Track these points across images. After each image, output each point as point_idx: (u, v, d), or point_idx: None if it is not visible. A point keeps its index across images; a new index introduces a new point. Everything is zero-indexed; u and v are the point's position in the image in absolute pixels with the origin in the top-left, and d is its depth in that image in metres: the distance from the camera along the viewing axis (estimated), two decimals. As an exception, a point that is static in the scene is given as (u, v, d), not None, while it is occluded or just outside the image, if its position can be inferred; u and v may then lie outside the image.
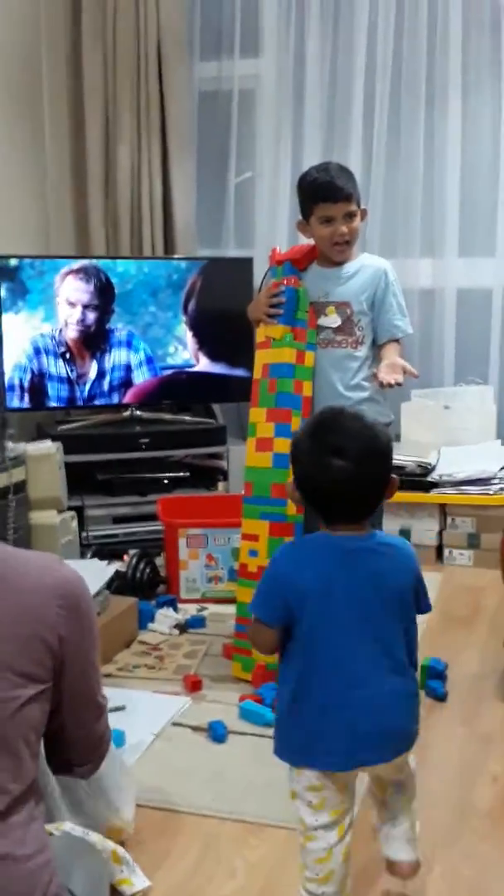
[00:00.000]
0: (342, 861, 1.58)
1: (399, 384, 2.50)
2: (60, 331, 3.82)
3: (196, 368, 4.03)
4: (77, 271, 3.83)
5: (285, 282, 2.66)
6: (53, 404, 3.87)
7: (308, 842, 1.58)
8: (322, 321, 2.68)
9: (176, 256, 4.21)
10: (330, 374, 2.67)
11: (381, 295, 2.67)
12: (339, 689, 1.54)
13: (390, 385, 2.49)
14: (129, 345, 3.94)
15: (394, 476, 1.62)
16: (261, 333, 2.71)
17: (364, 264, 2.70)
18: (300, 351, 2.63)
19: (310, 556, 1.59)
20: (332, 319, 2.67)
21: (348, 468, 1.53)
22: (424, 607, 1.65)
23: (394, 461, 1.64)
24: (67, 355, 3.84)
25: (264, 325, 2.69)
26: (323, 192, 2.61)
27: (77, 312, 3.83)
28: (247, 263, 4.04)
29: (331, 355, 2.68)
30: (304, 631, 1.55)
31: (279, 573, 1.59)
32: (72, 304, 3.83)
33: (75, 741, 1.55)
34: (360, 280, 2.67)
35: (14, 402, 3.76)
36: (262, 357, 2.70)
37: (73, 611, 1.44)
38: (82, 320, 3.85)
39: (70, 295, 3.82)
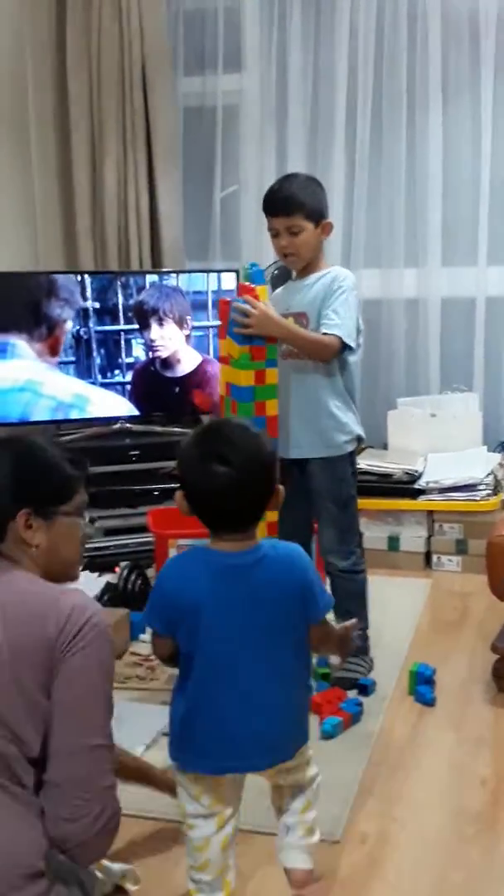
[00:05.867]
0: (220, 851, 1.65)
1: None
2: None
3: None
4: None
5: (240, 294, 2.57)
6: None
7: (188, 830, 1.66)
8: None
9: (164, 270, 4.24)
10: (291, 386, 2.65)
11: (328, 296, 2.59)
12: (212, 698, 1.59)
13: None
14: (123, 364, 3.98)
15: (279, 486, 1.64)
16: (223, 347, 2.68)
17: (324, 274, 2.64)
18: (259, 370, 2.53)
19: (189, 572, 1.62)
20: None
21: (231, 475, 1.56)
22: (318, 609, 1.66)
23: (276, 473, 1.66)
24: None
25: (224, 341, 2.64)
26: (265, 204, 2.62)
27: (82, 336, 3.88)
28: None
29: (291, 367, 2.65)
30: (183, 642, 1.60)
31: (163, 586, 1.64)
32: (77, 329, 3.87)
33: (61, 777, 1.43)
34: (316, 290, 2.62)
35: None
36: (224, 373, 2.67)
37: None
38: (83, 345, 3.90)
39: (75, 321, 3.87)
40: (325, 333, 2.56)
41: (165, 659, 1.68)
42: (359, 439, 2.73)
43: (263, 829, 1.99)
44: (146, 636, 3.05)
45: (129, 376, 3.97)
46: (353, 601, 2.66)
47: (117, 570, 3.36)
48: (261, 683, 1.60)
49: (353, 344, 2.59)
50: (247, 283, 2.56)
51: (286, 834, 1.76)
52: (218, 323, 2.80)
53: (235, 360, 2.55)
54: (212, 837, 1.65)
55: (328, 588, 2.58)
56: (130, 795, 2.14)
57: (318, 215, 2.61)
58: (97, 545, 3.71)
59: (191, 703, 1.61)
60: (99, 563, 3.46)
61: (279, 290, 2.83)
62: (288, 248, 2.61)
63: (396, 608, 3.31)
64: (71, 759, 1.41)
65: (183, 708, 1.62)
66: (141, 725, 2.48)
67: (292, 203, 2.57)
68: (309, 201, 2.59)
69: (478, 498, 3.76)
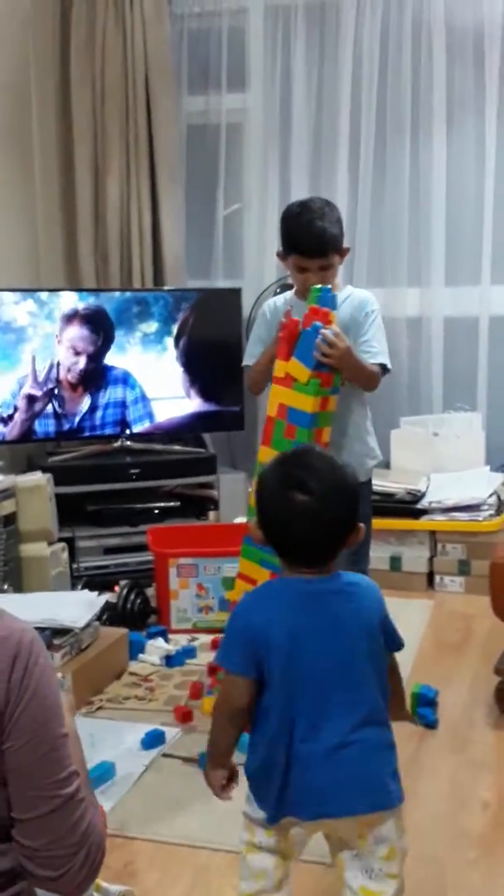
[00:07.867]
0: (275, 882, 1.55)
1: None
2: (55, 367, 3.85)
3: (189, 408, 4.05)
4: (83, 317, 3.86)
5: (315, 318, 2.37)
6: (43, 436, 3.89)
7: (247, 854, 1.57)
8: None
9: (166, 288, 4.23)
10: None
11: (360, 324, 2.56)
12: (312, 738, 1.47)
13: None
14: (125, 382, 3.96)
15: (360, 525, 1.57)
16: (280, 368, 2.43)
17: (347, 298, 2.59)
18: (324, 397, 2.40)
19: (273, 604, 1.52)
20: None
21: (310, 504, 1.50)
22: (396, 645, 1.61)
23: (357, 510, 1.59)
24: (58, 391, 3.86)
25: (283, 361, 2.42)
26: (297, 245, 2.50)
27: (82, 360, 3.87)
28: (235, 294, 4.08)
29: None
30: (276, 680, 1.48)
31: (245, 624, 1.52)
32: (77, 353, 3.85)
33: (39, 842, 1.23)
34: (343, 315, 2.53)
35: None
36: (280, 395, 2.44)
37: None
38: (83, 367, 3.88)
39: (76, 344, 3.85)
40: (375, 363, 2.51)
41: (240, 702, 1.51)
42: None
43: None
44: (145, 656, 3.03)
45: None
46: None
47: (116, 588, 3.34)
48: (353, 720, 1.48)
49: (390, 368, 2.58)
50: (317, 307, 2.39)
51: None
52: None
53: (303, 384, 2.38)
54: (270, 870, 1.55)
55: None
56: (127, 815, 2.13)
57: (342, 244, 2.55)
58: (97, 564, 3.70)
59: (274, 745, 1.49)
60: (98, 582, 3.44)
61: (275, 306, 2.69)
62: (318, 284, 2.48)
63: (398, 629, 3.26)
64: (44, 821, 1.22)
65: (264, 753, 1.50)
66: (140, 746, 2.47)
67: (329, 243, 2.47)
68: (339, 235, 2.51)
69: (481, 518, 3.73)
